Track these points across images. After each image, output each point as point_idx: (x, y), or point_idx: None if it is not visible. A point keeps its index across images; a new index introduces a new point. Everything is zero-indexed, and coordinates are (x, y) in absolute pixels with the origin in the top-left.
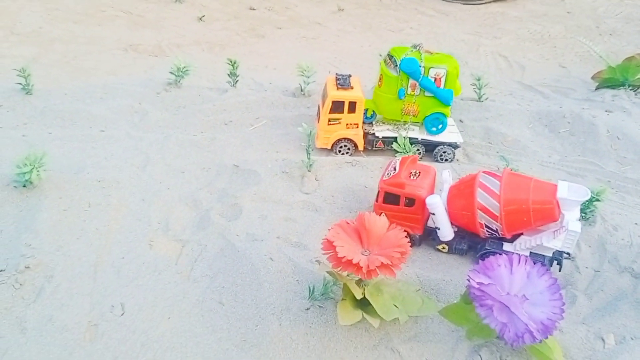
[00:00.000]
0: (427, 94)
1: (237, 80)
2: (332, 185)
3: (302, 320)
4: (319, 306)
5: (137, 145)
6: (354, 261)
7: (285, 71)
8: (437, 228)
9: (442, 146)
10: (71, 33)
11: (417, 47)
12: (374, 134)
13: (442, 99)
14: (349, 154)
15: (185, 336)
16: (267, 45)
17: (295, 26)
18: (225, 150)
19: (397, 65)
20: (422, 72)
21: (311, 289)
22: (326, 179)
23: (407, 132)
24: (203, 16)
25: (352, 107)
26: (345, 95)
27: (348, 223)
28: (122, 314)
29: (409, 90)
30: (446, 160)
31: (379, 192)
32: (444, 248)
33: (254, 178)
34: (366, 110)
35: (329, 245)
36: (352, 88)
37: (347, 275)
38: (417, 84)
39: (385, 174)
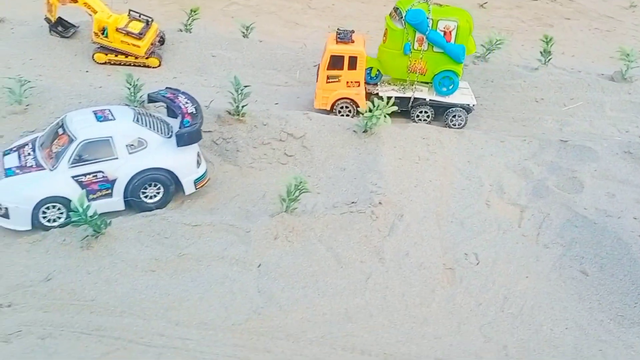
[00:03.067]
0: (435, 49)
1: (550, 59)
2: None
3: None
4: None
5: None
6: None
7: (586, 58)
8: None
9: (453, 108)
10: (360, 12)
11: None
12: (377, 94)
13: (452, 55)
14: (351, 115)
15: (549, 298)
16: (557, 34)
17: (585, 18)
18: (541, 125)
19: (402, 17)
20: (430, 25)
21: None
22: None
23: (414, 93)
24: (485, 3)
25: (353, 62)
26: (345, 50)
27: None
28: (477, 264)
29: (416, 45)
30: (457, 125)
31: None
32: None
33: (589, 154)
34: (370, 69)
35: None
36: (352, 42)
37: None
38: (425, 37)
39: None
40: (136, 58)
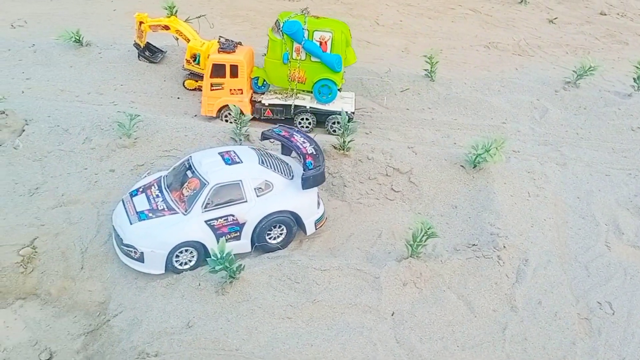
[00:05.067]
0: (313, 59)
1: None
2: None
3: None
4: None
5: (546, 140)
6: None
7: None
8: None
9: (332, 116)
10: (429, 28)
11: (303, 11)
12: (260, 101)
13: (328, 64)
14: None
15: None
16: (633, 53)
17: None
18: None
19: (280, 28)
20: (306, 35)
21: None
22: None
23: (294, 100)
24: (555, 18)
25: (234, 71)
26: (225, 59)
27: None
28: (612, 314)
29: (294, 55)
30: (337, 131)
31: None
32: None
33: None
34: (257, 79)
35: None
36: (234, 52)
37: None
38: (301, 47)
39: None
40: None
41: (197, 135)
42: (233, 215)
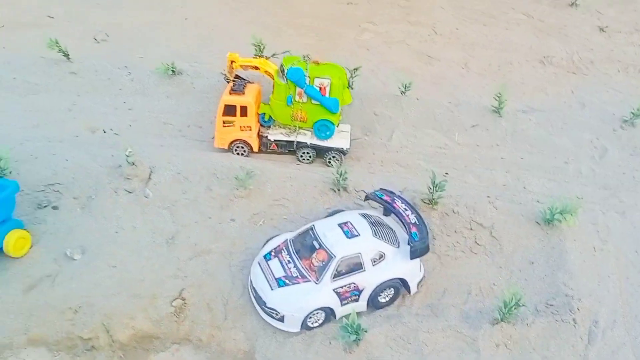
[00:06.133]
0: (313, 102)
1: None
2: None
3: None
4: None
5: (606, 184)
6: None
7: None
8: None
9: (330, 151)
10: (485, 37)
11: (305, 58)
12: (267, 136)
13: (327, 107)
14: (245, 154)
15: None
16: None
17: None
18: None
19: (284, 74)
20: (308, 81)
21: None
22: None
23: (297, 137)
24: (606, 27)
25: (244, 111)
26: (236, 100)
27: None
28: None
29: (297, 98)
30: (332, 164)
31: None
32: None
33: None
34: (264, 114)
35: None
36: (244, 94)
37: None
38: (303, 92)
39: None
40: None
41: (302, 185)
42: (355, 283)
